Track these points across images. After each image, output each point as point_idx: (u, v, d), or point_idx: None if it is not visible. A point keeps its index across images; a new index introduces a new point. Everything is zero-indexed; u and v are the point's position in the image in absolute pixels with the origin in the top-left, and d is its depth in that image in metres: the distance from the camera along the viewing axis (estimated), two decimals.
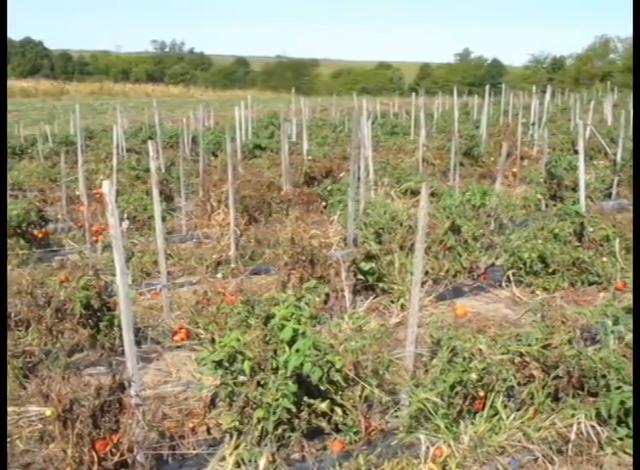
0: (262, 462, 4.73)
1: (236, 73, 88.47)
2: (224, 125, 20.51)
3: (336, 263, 8.36)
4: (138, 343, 6.74)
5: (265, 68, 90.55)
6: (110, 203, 4.79)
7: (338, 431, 5.28)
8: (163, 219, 9.63)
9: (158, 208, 7.60)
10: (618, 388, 5.44)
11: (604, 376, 5.54)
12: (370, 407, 5.49)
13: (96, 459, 4.72)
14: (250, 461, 4.76)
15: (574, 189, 12.54)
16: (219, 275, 9.33)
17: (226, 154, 11.30)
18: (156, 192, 7.60)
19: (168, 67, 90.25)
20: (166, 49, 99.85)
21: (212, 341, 5.79)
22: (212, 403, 5.41)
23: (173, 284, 8.83)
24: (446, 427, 5.25)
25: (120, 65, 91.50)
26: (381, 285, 8.64)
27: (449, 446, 5.00)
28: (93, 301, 6.84)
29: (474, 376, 5.40)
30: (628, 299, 7.57)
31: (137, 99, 55.89)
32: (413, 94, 30.38)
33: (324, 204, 13.49)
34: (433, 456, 4.88)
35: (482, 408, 5.47)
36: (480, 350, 5.57)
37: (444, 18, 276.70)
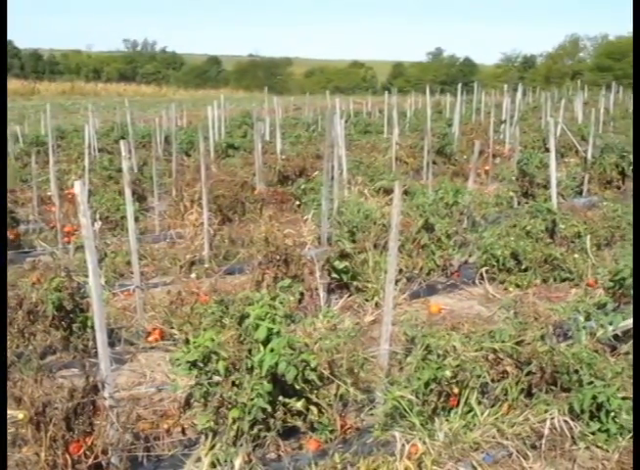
0: (238, 462, 4.72)
1: (208, 73, 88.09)
2: (197, 125, 20.41)
3: (310, 262, 8.36)
4: (112, 344, 6.70)
5: (238, 67, 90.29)
6: (82, 203, 4.75)
7: (313, 430, 5.29)
8: (136, 220, 9.57)
9: (130, 208, 7.55)
10: (591, 383, 5.50)
11: (576, 371, 5.61)
12: (345, 406, 5.51)
13: (70, 462, 4.68)
14: (225, 461, 4.75)
15: (546, 186, 12.65)
16: (193, 275, 9.30)
17: (199, 153, 11.26)
18: (128, 192, 7.55)
19: (140, 66, 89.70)
20: (138, 48, 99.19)
21: (187, 341, 5.76)
22: (187, 404, 5.39)
23: (147, 284, 8.77)
24: (421, 424, 5.27)
25: (92, 64, 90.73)
26: (355, 283, 8.66)
27: (424, 443, 5.02)
28: (65, 302, 6.78)
29: (448, 373, 5.43)
30: (599, 295, 7.67)
31: (109, 98, 55.43)
32: (386, 93, 30.41)
33: (298, 203, 13.49)
34: (408, 454, 4.89)
35: (457, 405, 5.50)
36: (454, 347, 5.60)
37: (417, 16, 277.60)
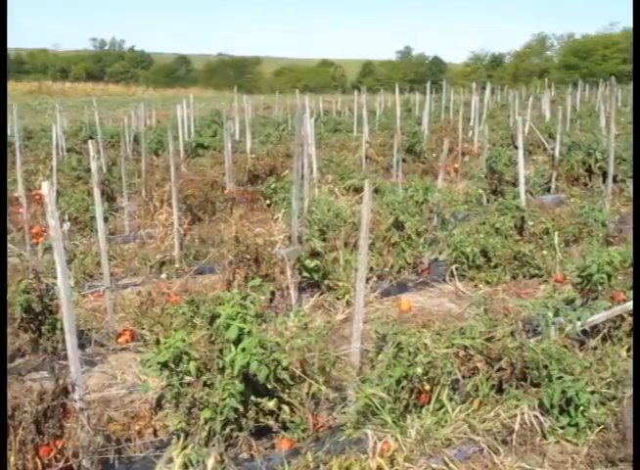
0: (210, 463, 4.70)
1: (177, 72, 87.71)
2: (166, 124, 20.27)
3: (281, 261, 8.35)
4: (82, 346, 6.65)
5: (207, 66, 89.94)
6: (50, 204, 4.71)
7: (285, 429, 5.28)
8: (106, 220, 9.49)
9: (99, 208, 7.50)
10: (560, 378, 5.57)
11: (546, 367, 5.66)
12: (317, 404, 5.51)
13: (40, 466, 4.63)
14: (197, 462, 4.73)
15: (515, 184, 12.76)
16: (163, 275, 9.25)
17: (169, 153, 11.21)
18: (97, 192, 7.49)
19: (108, 65, 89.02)
20: (106, 47, 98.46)
21: (157, 342, 5.73)
22: (159, 405, 5.36)
23: (117, 285, 8.71)
24: (393, 421, 5.29)
25: (59, 63, 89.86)
26: (326, 282, 8.67)
27: (396, 440, 5.04)
28: (34, 304, 6.71)
29: (419, 370, 5.46)
30: (568, 291, 7.75)
31: (77, 98, 54.84)
32: (355, 91, 30.48)
33: (268, 202, 13.48)
34: (380, 451, 4.91)
35: (428, 402, 5.53)
36: (425, 344, 5.63)
37: (385, 15, 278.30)
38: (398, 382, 5.50)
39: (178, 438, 5.00)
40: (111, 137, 23.56)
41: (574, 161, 15.68)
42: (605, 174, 13.38)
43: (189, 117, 24.45)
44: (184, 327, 5.94)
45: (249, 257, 8.29)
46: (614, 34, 79.92)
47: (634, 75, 11.82)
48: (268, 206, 13.34)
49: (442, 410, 5.49)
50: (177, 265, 9.71)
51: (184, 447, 4.85)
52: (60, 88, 69.75)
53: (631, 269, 7.38)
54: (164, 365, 5.09)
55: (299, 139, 11.16)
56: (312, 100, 27.40)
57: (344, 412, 5.55)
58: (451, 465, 4.97)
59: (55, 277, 5.32)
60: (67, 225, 10.98)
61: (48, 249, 9.17)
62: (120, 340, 7.21)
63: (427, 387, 5.53)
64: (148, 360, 5.15)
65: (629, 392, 5.64)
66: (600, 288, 7.33)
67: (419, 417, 5.40)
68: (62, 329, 5.73)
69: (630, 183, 14.72)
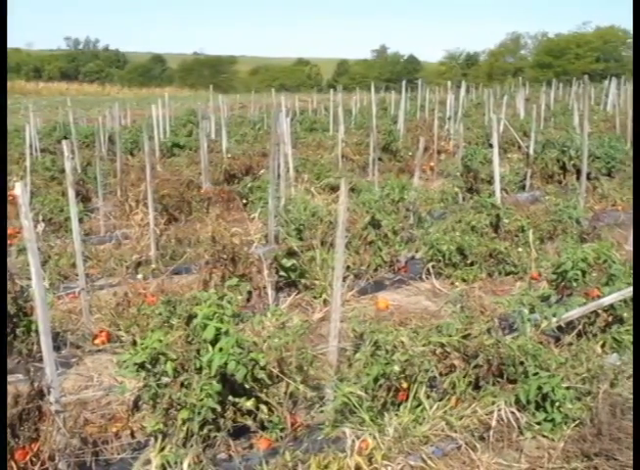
0: (187, 463, 4.68)
1: (152, 71, 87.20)
2: (141, 124, 20.19)
3: (257, 261, 8.34)
4: (57, 348, 6.61)
5: (182, 65, 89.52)
6: (23, 205, 4.66)
7: (264, 428, 5.28)
8: (81, 221, 9.43)
9: (74, 209, 7.44)
10: (536, 374, 5.61)
11: (522, 363, 5.70)
12: (295, 404, 5.51)
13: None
14: (175, 463, 4.71)
15: (490, 182, 12.83)
16: (140, 276, 9.19)
17: (144, 153, 11.15)
18: (72, 193, 7.43)
19: (83, 64, 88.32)
20: (80, 46, 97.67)
21: (134, 343, 5.70)
22: (136, 407, 5.34)
23: (92, 286, 8.65)
24: (371, 420, 5.30)
25: (32, 62, 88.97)
26: (303, 281, 8.67)
27: (374, 438, 5.05)
28: (9, 306, 6.64)
29: (396, 368, 5.47)
30: (543, 287, 7.82)
31: (50, 98, 54.39)
32: (331, 90, 30.48)
33: (244, 201, 13.45)
34: (358, 449, 4.92)
35: (406, 400, 5.55)
36: (402, 342, 5.65)
37: (361, 14, 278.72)
38: (376, 380, 5.51)
39: (156, 439, 4.98)
40: (85, 137, 23.42)
41: (549, 158, 15.79)
42: (579, 172, 13.49)
43: (164, 117, 24.36)
44: (161, 328, 5.92)
45: (225, 256, 8.27)
46: (586, 33, 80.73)
47: (634, 75, 11.94)
48: (244, 205, 13.31)
49: (420, 408, 5.51)
50: (153, 266, 9.65)
51: (162, 449, 4.83)
52: (33, 88, 69.13)
53: (605, 266, 7.45)
54: (141, 366, 5.06)
55: (275, 138, 11.16)
56: (288, 99, 27.33)
57: (322, 411, 5.56)
58: (429, 462, 4.99)
59: (29, 279, 5.26)
60: (41, 226, 10.91)
61: (22, 250, 9.10)
62: (96, 341, 7.16)
63: (404, 385, 5.55)
64: (124, 362, 5.11)
65: (604, 387, 5.70)
66: (574, 284, 7.39)
67: (397, 415, 5.42)
68: (37, 331, 5.67)
69: (604, 181, 14.90)
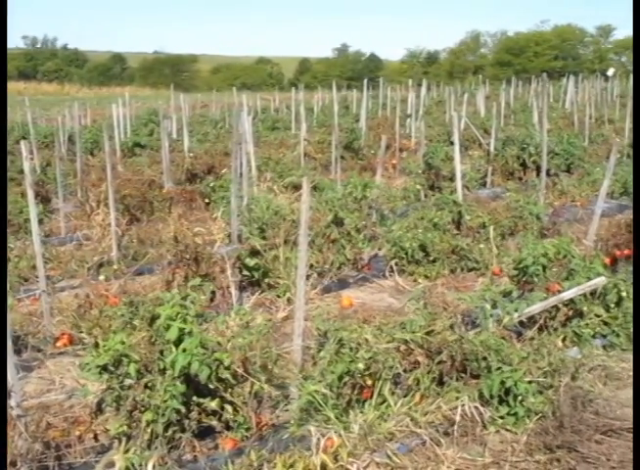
0: (152, 465, 4.65)
1: (112, 70, 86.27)
2: (102, 124, 19.98)
3: (220, 260, 8.32)
4: (18, 351, 6.52)
5: (143, 64, 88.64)
6: None
7: (229, 428, 5.27)
8: (40, 222, 9.31)
9: (33, 210, 7.34)
10: (498, 369, 5.68)
11: (485, 358, 5.76)
12: (260, 403, 5.50)
13: None
14: (140, 465, 4.68)
15: (451, 179, 12.94)
16: (101, 277, 9.10)
17: (104, 152, 11.04)
18: (31, 194, 7.33)
19: (41, 63, 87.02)
20: (38, 45, 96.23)
21: (96, 345, 5.64)
22: (99, 409, 5.28)
23: (53, 289, 8.54)
24: (336, 417, 5.31)
25: None
26: (266, 280, 8.66)
27: (340, 435, 5.06)
28: None
29: (361, 366, 5.49)
30: (505, 283, 7.90)
31: (8, 97, 53.53)
32: (293, 89, 30.49)
33: (207, 201, 13.39)
34: (324, 447, 4.92)
35: (371, 397, 5.57)
36: (367, 339, 5.67)
37: (321, 12, 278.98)
38: (340, 378, 5.52)
39: (120, 441, 4.94)
40: (44, 137, 23.09)
41: (509, 155, 15.98)
42: (538, 168, 13.67)
43: (125, 117, 24.15)
44: (123, 329, 5.87)
45: (188, 256, 8.23)
46: (545, 32, 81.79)
47: (634, 75, 12.12)
48: (207, 205, 13.25)
49: (385, 405, 5.54)
50: (115, 267, 9.56)
51: (126, 451, 4.79)
52: None
53: (565, 260, 7.56)
54: (104, 368, 5.02)
55: (237, 137, 11.14)
56: (250, 98, 27.28)
57: (288, 410, 5.56)
58: (394, 459, 5.02)
59: None
60: None
61: None
62: (58, 344, 7.08)
63: (369, 382, 5.57)
64: (87, 364, 5.07)
65: (565, 380, 5.79)
66: (535, 280, 7.48)
67: (362, 412, 5.44)
68: None
69: (563, 177, 15.11)
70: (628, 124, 19.35)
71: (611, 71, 43.54)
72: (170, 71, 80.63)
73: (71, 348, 7.02)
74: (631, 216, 8.89)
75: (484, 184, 15.48)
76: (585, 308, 7.03)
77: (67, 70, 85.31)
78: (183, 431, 5.05)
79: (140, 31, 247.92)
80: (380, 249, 9.92)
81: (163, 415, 4.92)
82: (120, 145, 20.08)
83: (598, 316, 7.05)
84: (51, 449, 4.94)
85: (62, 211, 12.56)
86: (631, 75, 39.31)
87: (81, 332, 7.12)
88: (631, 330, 7.01)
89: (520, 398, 5.52)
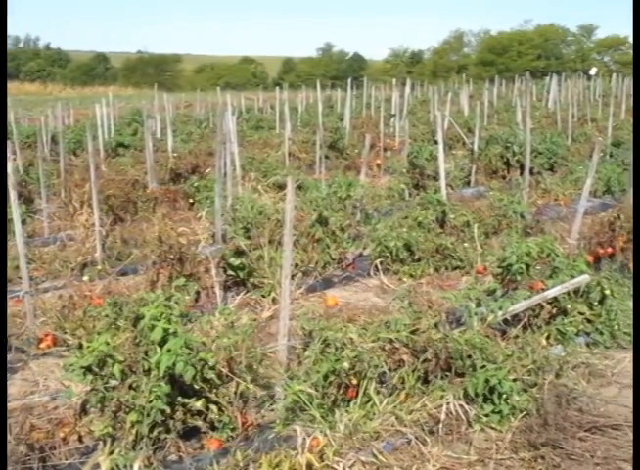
0: (137, 466, 4.63)
1: (96, 70, 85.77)
2: (85, 123, 19.90)
3: (205, 260, 8.30)
4: None
5: (126, 63, 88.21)
6: None
7: (214, 429, 5.26)
8: (23, 223, 9.25)
9: (16, 210, 7.32)
10: (483, 367, 5.70)
11: (469, 356, 5.79)
12: (245, 403, 5.49)
13: None
14: (125, 467, 4.66)
15: (435, 178, 12.97)
16: (85, 278, 9.05)
17: (88, 153, 10.99)
18: (13, 194, 7.30)
19: (23, 63, 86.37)
20: (20, 45, 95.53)
21: (80, 346, 5.61)
22: (83, 411, 5.26)
23: (37, 290, 8.49)
24: (322, 417, 5.32)
25: None
26: (251, 280, 8.65)
27: (325, 435, 5.07)
28: None
29: (346, 365, 5.50)
30: (489, 281, 7.93)
31: None
32: (277, 88, 30.46)
33: (191, 201, 13.35)
34: (310, 447, 4.92)
35: (356, 396, 5.58)
36: (352, 338, 5.68)
37: (305, 11, 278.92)
38: (326, 377, 5.53)
39: (104, 443, 4.92)
40: (27, 137, 22.93)
41: (493, 154, 16.03)
42: (522, 167, 13.72)
43: (108, 116, 24.04)
44: (107, 330, 5.84)
45: (172, 256, 8.20)
46: (527, 31, 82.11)
47: (634, 75, 12.19)
48: (191, 204, 13.22)
49: (370, 404, 5.55)
50: (99, 267, 9.52)
51: (111, 452, 4.77)
52: None
53: (548, 259, 7.60)
54: (88, 369, 5.00)
55: (221, 137, 11.12)
56: (234, 97, 27.26)
57: (273, 410, 5.56)
58: (380, 457, 5.03)
59: None
60: None
61: None
62: (42, 345, 7.04)
63: (354, 381, 5.58)
64: (71, 365, 5.04)
65: (550, 378, 5.82)
66: (519, 278, 7.51)
67: (347, 411, 5.45)
68: None
69: (547, 175, 15.18)
70: (611, 123, 19.47)
71: (593, 71, 43.75)
72: (154, 71, 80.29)
73: (55, 349, 6.98)
74: (614, 215, 8.96)
75: (468, 183, 15.51)
76: (569, 306, 7.07)
77: (49, 70, 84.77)
78: (168, 431, 5.04)
79: (123, 31, 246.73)
80: (364, 248, 9.93)
81: (148, 416, 4.91)
82: (104, 145, 19.99)
83: (581, 314, 7.09)
84: (35, 451, 4.92)
85: (45, 212, 12.49)
86: (613, 75, 39.69)
87: (65, 333, 7.09)
88: (615, 328, 7.09)
89: (504, 396, 5.55)
